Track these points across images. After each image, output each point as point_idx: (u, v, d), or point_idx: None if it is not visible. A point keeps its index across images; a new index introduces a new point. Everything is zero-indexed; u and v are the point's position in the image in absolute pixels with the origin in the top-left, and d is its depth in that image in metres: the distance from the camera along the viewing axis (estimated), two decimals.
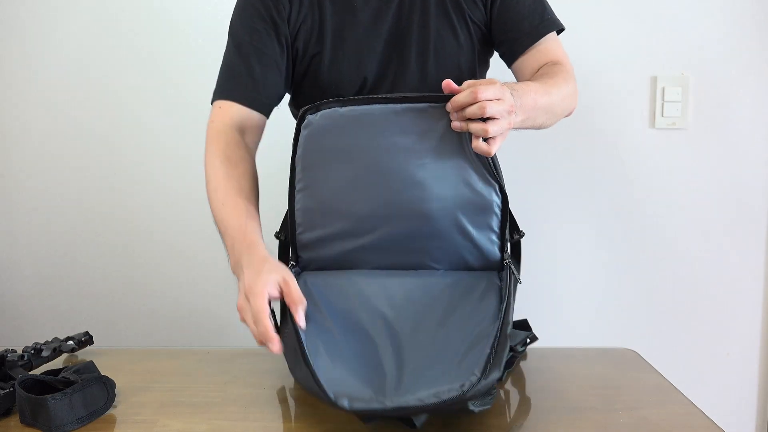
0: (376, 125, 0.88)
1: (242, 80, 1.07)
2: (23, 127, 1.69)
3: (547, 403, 0.86)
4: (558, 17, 1.12)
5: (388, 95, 0.92)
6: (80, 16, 1.66)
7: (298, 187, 0.93)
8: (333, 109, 0.89)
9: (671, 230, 1.70)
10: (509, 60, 1.15)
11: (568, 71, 1.10)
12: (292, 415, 0.85)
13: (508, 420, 0.82)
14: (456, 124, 0.84)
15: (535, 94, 0.95)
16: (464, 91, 0.82)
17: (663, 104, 1.66)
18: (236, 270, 0.89)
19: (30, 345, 0.98)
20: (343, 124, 0.89)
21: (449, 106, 0.84)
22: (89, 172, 1.70)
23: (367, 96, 1.00)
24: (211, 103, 1.09)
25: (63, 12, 1.66)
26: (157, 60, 1.67)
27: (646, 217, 1.70)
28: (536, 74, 1.10)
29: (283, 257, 1.04)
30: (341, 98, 0.90)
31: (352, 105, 0.89)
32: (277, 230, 1.04)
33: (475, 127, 0.82)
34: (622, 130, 1.68)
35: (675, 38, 1.65)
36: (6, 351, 0.94)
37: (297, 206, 0.94)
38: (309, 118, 0.90)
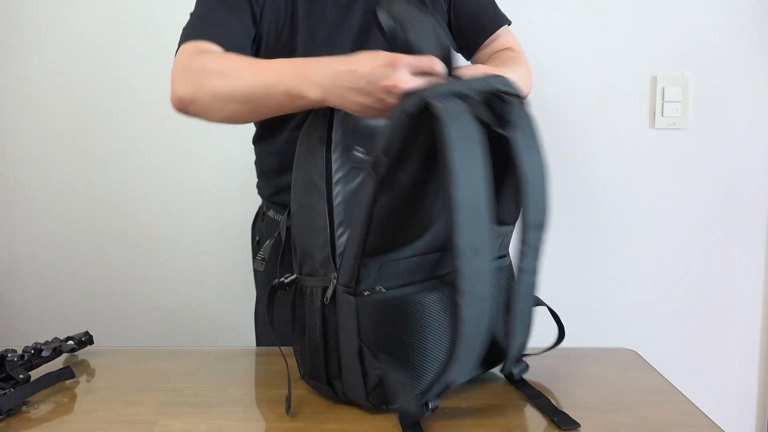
0: None
1: (219, 26, 1.01)
2: (23, 126, 1.69)
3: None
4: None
5: None
6: (81, 14, 1.66)
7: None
8: None
9: (671, 230, 1.70)
10: (468, 53, 1.20)
11: (520, 56, 1.16)
12: (292, 415, 0.85)
13: (508, 420, 0.82)
14: None
15: None
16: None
17: (663, 104, 1.66)
18: (305, 81, 0.82)
19: (30, 345, 0.98)
20: None
21: None
22: (89, 172, 1.70)
23: None
24: (176, 51, 1.00)
25: (63, 10, 1.65)
26: (159, 58, 1.66)
27: (645, 217, 1.70)
28: (489, 60, 1.15)
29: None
30: None
31: None
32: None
33: None
34: (622, 130, 1.68)
35: (675, 38, 1.65)
36: (6, 351, 0.94)
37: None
38: None
